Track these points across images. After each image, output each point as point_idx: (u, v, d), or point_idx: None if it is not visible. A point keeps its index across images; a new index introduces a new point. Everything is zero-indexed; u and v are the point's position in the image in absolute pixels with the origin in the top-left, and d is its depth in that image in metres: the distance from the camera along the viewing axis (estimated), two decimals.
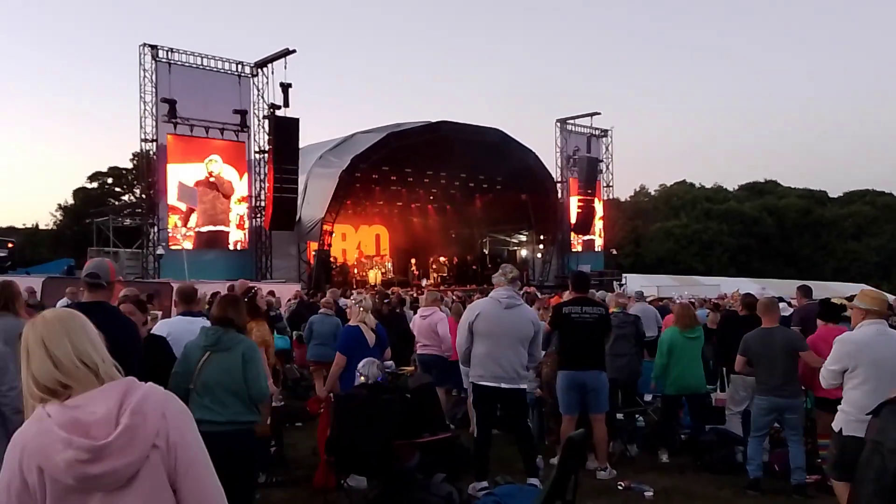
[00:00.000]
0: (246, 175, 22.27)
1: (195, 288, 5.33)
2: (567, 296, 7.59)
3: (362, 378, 5.29)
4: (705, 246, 50.92)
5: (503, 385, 5.19)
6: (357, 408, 5.04)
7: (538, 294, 16.15)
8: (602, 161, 32.55)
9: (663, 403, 7.15)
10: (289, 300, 14.85)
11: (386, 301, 9.58)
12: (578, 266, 29.35)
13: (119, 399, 1.70)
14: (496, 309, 5.30)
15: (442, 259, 28.89)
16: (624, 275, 31.12)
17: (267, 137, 21.69)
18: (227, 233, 21.86)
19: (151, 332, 4.59)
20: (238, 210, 22.07)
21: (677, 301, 11.70)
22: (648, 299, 11.58)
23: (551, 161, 30.96)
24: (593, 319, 6.14)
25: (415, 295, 15.53)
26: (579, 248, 31.64)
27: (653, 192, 61.69)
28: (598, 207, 31.89)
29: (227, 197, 21.72)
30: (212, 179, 21.38)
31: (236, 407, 3.81)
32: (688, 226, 51.93)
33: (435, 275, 28.69)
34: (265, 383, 3.95)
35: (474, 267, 30.50)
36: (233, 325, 3.92)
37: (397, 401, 5.12)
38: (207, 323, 4.13)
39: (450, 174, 27.67)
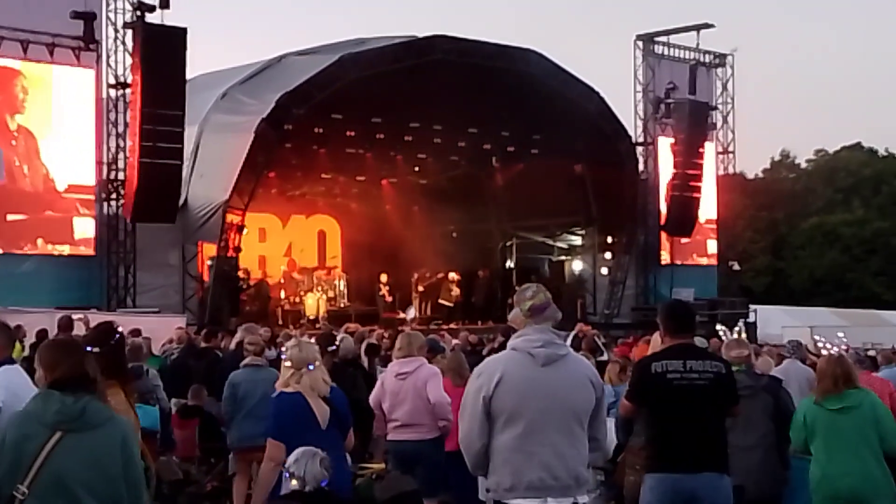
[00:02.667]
0: (93, 127, 22.25)
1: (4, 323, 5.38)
2: (655, 343, 7.62)
3: (293, 483, 5.30)
4: (895, 257, 51.06)
5: (550, 501, 5.20)
6: None
7: (600, 339, 16.25)
8: (716, 108, 32.71)
9: None
10: (164, 344, 14.91)
11: (332, 348, 9.59)
12: (674, 290, 29.45)
13: None
14: (528, 368, 5.30)
15: (452, 276, 28.93)
16: (753, 307, 31.25)
17: (130, 61, 21.78)
18: (57, 226, 21.87)
19: None
20: (78, 189, 22.10)
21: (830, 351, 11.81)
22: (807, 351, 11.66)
23: (628, 107, 31.11)
24: (706, 382, 6.18)
25: (386, 337, 15.60)
26: (675, 261, 31.75)
27: (804, 164, 61.93)
28: (709, 189, 32.04)
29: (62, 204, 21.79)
30: (17, 134, 21.42)
31: None
32: (867, 222, 52.13)
33: (421, 301, 28.77)
34: (143, 478, 4.10)
35: (492, 290, 30.49)
36: (95, 389, 4.05)
37: None
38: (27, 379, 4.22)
39: (449, 129, 27.80)
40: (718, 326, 26.92)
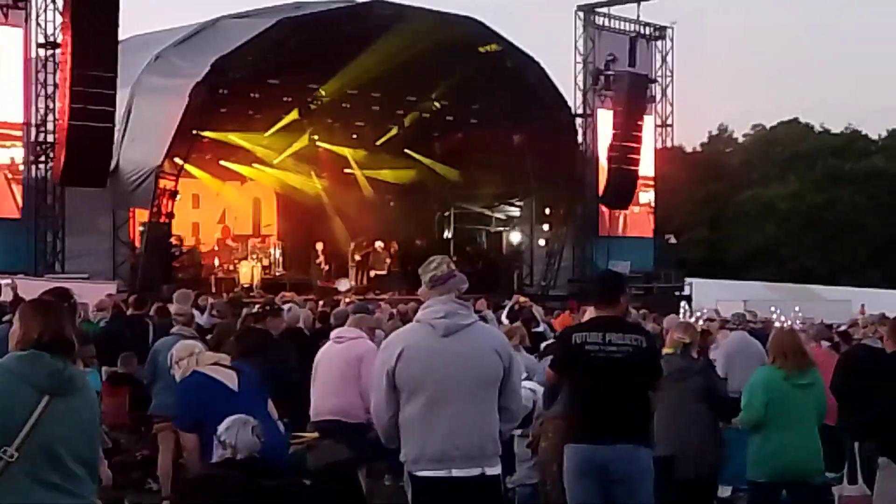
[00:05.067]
0: (20, 87, 21.96)
1: None
2: (587, 314, 7.70)
3: (225, 451, 5.29)
4: (830, 231, 51.95)
5: (455, 472, 5.22)
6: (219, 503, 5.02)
7: (537, 310, 16.36)
8: (656, 81, 32.92)
9: (751, 497, 7.33)
10: (94, 311, 14.76)
11: (265, 311, 9.54)
12: (610, 263, 29.70)
13: None
14: (429, 339, 5.31)
15: (379, 244, 28.87)
16: (689, 280, 31.64)
17: (60, 20, 21.50)
18: None
19: None
20: (4, 153, 21.90)
21: (779, 325, 12.05)
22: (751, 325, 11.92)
23: (567, 78, 31.19)
24: (624, 355, 6.24)
25: (322, 307, 15.53)
26: (612, 233, 32.00)
27: (741, 139, 62.73)
28: (647, 161, 32.31)
29: None
30: None
31: (89, 486, 4.00)
32: (801, 196, 52.97)
33: (358, 271, 28.69)
34: None
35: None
36: (73, 351, 4.10)
37: (290, 492, 5.16)
38: None
39: (388, 96, 27.71)
40: (681, 304, 27.43)
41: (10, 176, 21.99)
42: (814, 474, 7.13)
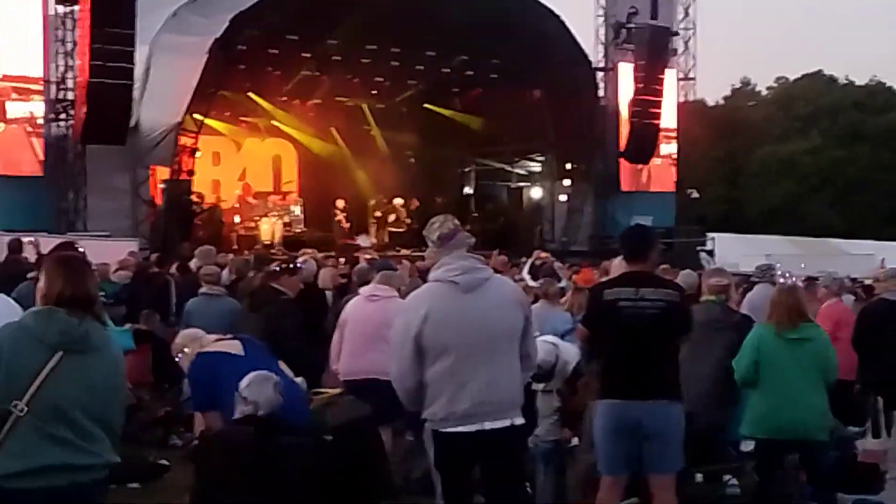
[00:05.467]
0: (40, 44, 21.95)
1: None
2: (614, 269, 7.65)
3: (246, 407, 5.29)
4: (851, 187, 51.62)
5: (487, 425, 5.23)
6: (235, 460, 5.04)
7: (557, 266, 16.28)
8: (678, 34, 32.58)
9: (757, 455, 7.34)
10: (115, 270, 14.79)
11: (281, 269, 9.49)
12: (632, 218, 29.54)
13: None
14: (452, 298, 5.29)
15: (398, 202, 28.85)
16: (711, 235, 31.48)
17: None
18: (3, 152, 21.73)
19: None
20: (23, 107, 21.87)
21: (783, 281, 11.91)
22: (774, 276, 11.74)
23: (588, 32, 30.90)
24: (658, 311, 6.20)
25: (343, 265, 15.50)
26: (634, 189, 31.86)
27: (764, 92, 62.12)
28: (669, 116, 32.07)
29: None
30: None
31: (105, 444, 4.04)
32: (822, 151, 52.55)
33: (379, 228, 28.71)
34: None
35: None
36: (93, 308, 4.11)
37: (309, 448, 5.16)
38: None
39: (407, 52, 27.58)
40: (703, 256, 27.26)
41: (29, 129, 22.02)
42: (815, 431, 7.02)
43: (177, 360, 6.73)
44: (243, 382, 5.41)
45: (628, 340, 6.18)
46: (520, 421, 5.36)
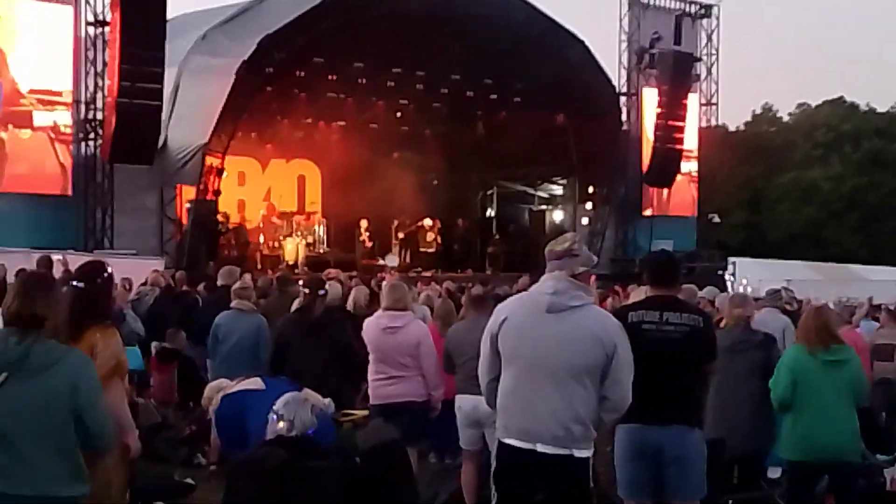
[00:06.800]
0: (69, 65, 22.11)
1: None
2: (635, 294, 7.59)
3: (281, 425, 5.28)
4: (873, 214, 51.37)
5: (540, 448, 5.20)
6: (266, 482, 5.00)
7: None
8: (701, 60, 32.62)
9: (789, 478, 7.28)
10: (141, 285, 14.83)
11: (321, 292, 9.39)
12: (653, 242, 29.50)
13: None
14: (532, 313, 5.29)
15: (427, 222, 28.83)
16: (731, 259, 31.35)
17: None
18: (32, 167, 21.80)
19: None
20: (49, 115, 22.03)
21: (813, 303, 11.79)
22: (784, 302, 11.66)
23: (612, 57, 30.97)
24: (681, 335, 6.16)
25: (372, 285, 15.48)
26: (655, 213, 31.81)
27: (786, 118, 61.91)
28: (691, 141, 32.05)
29: (25, 101, 21.66)
30: None
31: (53, 471, 3.82)
32: (844, 178, 52.32)
33: (402, 249, 28.72)
34: (110, 423, 3.99)
35: (471, 239, 30.51)
36: (42, 327, 3.93)
37: (339, 471, 5.11)
38: None
39: (432, 76, 27.63)
40: (727, 277, 27.22)
41: (53, 136, 22.09)
42: (849, 454, 6.98)
43: (208, 416, 6.78)
44: (280, 402, 5.40)
45: (650, 364, 6.10)
46: (581, 454, 5.24)
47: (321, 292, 9.04)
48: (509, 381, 5.30)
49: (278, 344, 8.81)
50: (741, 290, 19.45)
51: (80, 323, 4.95)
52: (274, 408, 5.37)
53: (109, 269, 5.73)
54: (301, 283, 9.87)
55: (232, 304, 9.59)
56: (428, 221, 28.68)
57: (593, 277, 14.07)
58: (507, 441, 5.29)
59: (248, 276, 15.90)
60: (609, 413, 5.40)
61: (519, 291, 9.54)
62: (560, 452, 5.19)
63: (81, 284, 5.30)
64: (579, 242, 5.47)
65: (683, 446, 6.10)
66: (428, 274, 24.75)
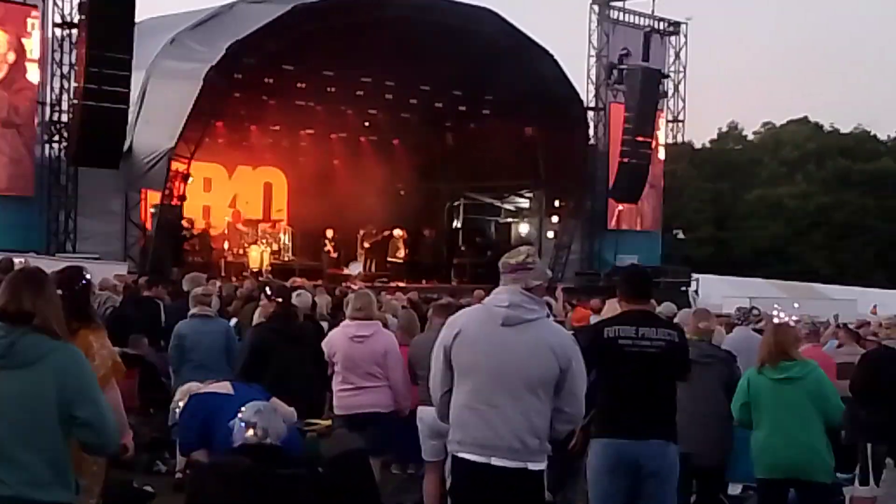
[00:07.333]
0: (35, 67, 21.98)
1: None
2: (608, 308, 7.62)
3: (250, 433, 5.25)
4: (837, 232, 51.93)
5: (495, 461, 5.18)
6: (231, 490, 4.99)
7: (548, 300, 16.24)
8: (668, 76, 32.82)
9: (757, 494, 7.35)
10: (99, 291, 14.60)
11: (277, 298, 9.33)
12: (619, 257, 29.61)
13: None
14: (487, 325, 5.27)
15: (398, 233, 28.77)
16: (695, 276, 31.58)
17: (77, 0, 21.39)
18: None
19: None
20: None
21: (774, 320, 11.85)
22: (756, 322, 11.75)
23: (581, 72, 31.08)
24: (658, 350, 6.17)
25: (335, 294, 15.49)
26: (621, 227, 31.95)
27: (751, 136, 62.59)
28: (658, 157, 32.22)
29: None
30: None
31: (34, 472, 3.73)
32: (809, 196, 52.92)
33: (366, 258, 28.68)
34: (111, 416, 3.90)
35: (438, 250, 30.51)
36: (30, 322, 3.88)
37: (305, 480, 5.12)
38: None
39: (401, 86, 27.65)
40: (691, 294, 27.43)
41: (21, 152, 21.88)
42: (815, 471, 6.97)
43: (170, 421, 6.73)
44: (249, 409, 5.37)
45: (627, 379, 6.14)
46: (536, 467, 5.21)
47: (279, 296, 9.04)
48: (463, 394, 5.24)
49: (258, 351, 8.55)
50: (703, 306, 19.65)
51: (69, 326, 4.91)
52: (241, 416, 5.33)
53: (87, 276, 5.70)
54: (268, 290, 9.78)
55: (193, 311, 9.50)
56: (398, 231, 28.65)
57: (560, 289, 14.03)
58: (462, 455, 5.23)
59: (216, 283, 15.87)
60: (564, 425, 5.38)
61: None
62: (515, 465, 5.15)
63: (60, 292, 5.25)
64: (534, 255, 5.45)
65: (661, 461, 6.12)
66: (394, 284, 24.71)
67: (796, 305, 21.70)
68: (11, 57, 21.78)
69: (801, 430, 6.93)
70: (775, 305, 24.31)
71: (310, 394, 7.70)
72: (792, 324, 11.91)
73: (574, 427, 5.63)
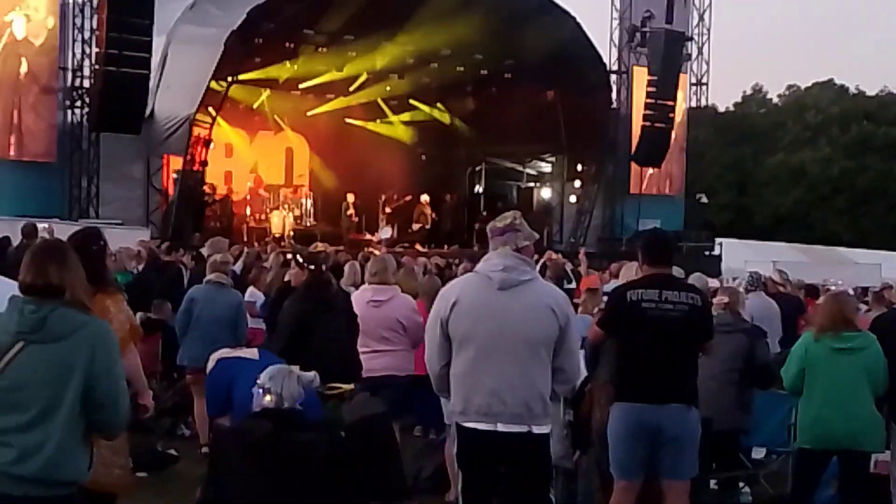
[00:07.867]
0: (55, 30, 22.03)
1: None
2: (625, 272, 7.57)
3: (267, 398, 5.25)
4: (860, 197, 51.54)
5: (500, 427, 5.19)
6: (252, 454, 4.99)
7: (568, 266, 16.18)
8: (692, 39, 32.53)
9: (795, 464, 7.23)
10: (122, 254, 14.66)
11: (308, 265, 9.22)
12: (641, 221, 29.50)
13: None
14: (484, 291, 5.26)
15: (425, 198, 28.67)
16: (718, 241, 31.45)
17: None
18: (13, 133, 21.80)
19: None
20: (36, 93, 22.00)
21: (823, 288, 11.75)
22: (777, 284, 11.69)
23: (602, 34, 30.84)
24: (680, 314, 6.12)
25: (358, 259, 15.44)
26: (643, 192, 31.82)
27: (775, 99, 62.00)
28: (680, 120, 32.01)
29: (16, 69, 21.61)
30: None
31: (58, 449, 3.72)
32: (832, 161, 52.46)
33: (389, 223, 28.68)
34: (124, 399, 3.89)
35: (459, 215, 30.48)
36: (62, 296, 3.86)
37: (325, 445, 5.09)
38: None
39: (421, 50, 27.50)
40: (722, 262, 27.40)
41: (42, 117, 21.94)
42: (863, 442, 6.89)
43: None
44: (265, 375, 5.37)
45: (649, 343, 6.09)
46: (540, 430, 5.27)
47: (309, 263, 8.95)
48: (463, 363, 5.24)
49: (300, 323, 8.07)
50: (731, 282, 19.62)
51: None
52: (259, 381, 5.34)
53: (103, 238, 5.68)
54: (298, 257, 9.69)
55: (209, 277, 9.45)
56: (425, 197, 28.56)
57: (582, 253, 14.00)
58: (467, 424, 5.26)
59: (242, 248, 15.84)
60: (562, 385, 5.45)
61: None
62: (520, 430, 5.20)
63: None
64: (521, 218, 5.44)
65: (682, 426, 6.09)
66: (416, 249, 24.72)
67: (823, 275, 21.51)
68: (51, 22, 21.96)
69: (854, 402, 6.82)
70: (802, 275, 24.24)
71: (353, 360, 7.66)
72: (851, 292, 11.82)
73: (572, 386, 5.71)
